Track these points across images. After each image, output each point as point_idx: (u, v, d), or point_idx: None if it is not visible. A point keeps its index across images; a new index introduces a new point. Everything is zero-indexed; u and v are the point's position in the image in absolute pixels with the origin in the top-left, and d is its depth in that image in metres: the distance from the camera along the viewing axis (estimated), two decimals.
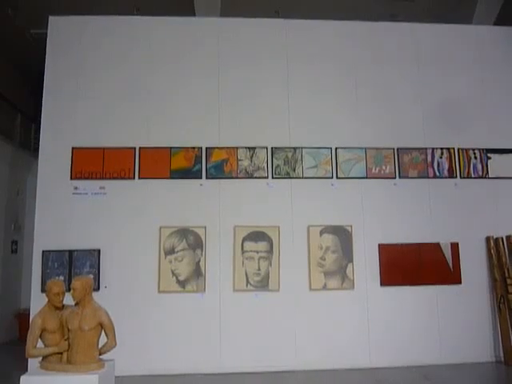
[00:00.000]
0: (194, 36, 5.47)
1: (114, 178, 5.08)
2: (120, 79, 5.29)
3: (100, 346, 3.25)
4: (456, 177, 5.45)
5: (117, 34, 5.41)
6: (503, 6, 8.03)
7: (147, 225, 4.98)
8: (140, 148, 5.15)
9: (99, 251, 4.89)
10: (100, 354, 3.25)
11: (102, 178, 5.08)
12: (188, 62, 5.39)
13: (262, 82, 5.41)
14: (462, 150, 5.50)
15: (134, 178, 5.09)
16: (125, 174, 5.09)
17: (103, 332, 3.24)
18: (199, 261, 4.95)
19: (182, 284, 4.91)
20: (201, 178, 5.14)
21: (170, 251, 4.94)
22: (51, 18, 5.39)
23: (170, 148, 5.15)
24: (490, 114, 5.65)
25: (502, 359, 5.05)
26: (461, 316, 5.15)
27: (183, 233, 4.98)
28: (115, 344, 3.25)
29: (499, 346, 5.12)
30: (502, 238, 5.32)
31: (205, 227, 5.01)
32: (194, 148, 5.17)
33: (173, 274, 4.92)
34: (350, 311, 5.04)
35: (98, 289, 4.73)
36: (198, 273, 4.93)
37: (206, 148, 5.19)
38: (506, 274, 5.18)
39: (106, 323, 3.20)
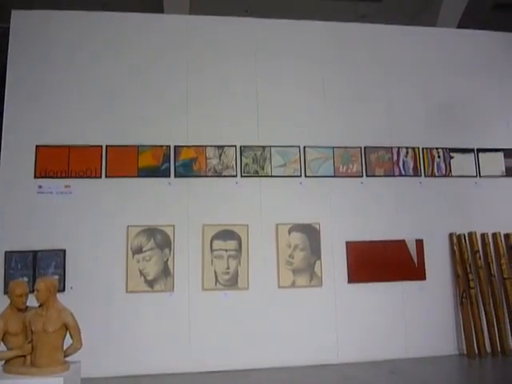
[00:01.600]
0: (162, 33, 5.41)
1: (80, 177, 4.98)
2: (86, 76, 5.18)
3: (65, 347, 3.20)
4: (421, 175, 5.59)
5: (83, 29, 5.30)
6: (465, 11, 8.28)
7: (114, 224, 4.91)
8: (107, 146, 5.06)
9: (64, 251, 4.78)
10: (65, 356, 3.20)
11: (67, 176, 4.97)
12: (156, 59, 5.33)
13: (230, 80, 5.40)
14: (427, 149, 5.64)
15: (100, 176, 5.00)
16: (91, 173, 4.99)
17: (68, 334, 3.18)
18: (167, 260, 4.91)
19: (150, 284, 4.86)
20: (169, 176, 5.10)
21: (138, 251, 4.89)
22: (14, 12, 5.24)
23: (138, 146, 5.09)
24: (452, 114, 5.80)
25: (465, 352, 5.21)
26: (425, 311, 5.28)
27: (151, 232, 4.93)
28: (81, 345, 3.20)
29: (462, 340, 5.28)
30: (464, 235, 5.48)
31: (173, 226, 4.97)
32: (162, 146, 5.12)
33: (141, 273, 4.86)
34: (318, 308, 5.10)
35: (63, 290, 4.64)
36: (166, 272, 4.89)
37: (175, 146, 5.14)
38: (468, 270, 5.35)
39: (70, 324, 3.15)
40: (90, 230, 4.89)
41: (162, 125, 5.19)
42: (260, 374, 4.68)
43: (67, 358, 3.21)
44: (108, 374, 4.58)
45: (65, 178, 4.96)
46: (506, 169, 5.79)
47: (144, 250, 4.90)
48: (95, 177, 4.99)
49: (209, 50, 5.45)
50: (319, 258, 5.15)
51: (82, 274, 4.78)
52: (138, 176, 5.06)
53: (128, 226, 4.91)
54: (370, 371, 4.72)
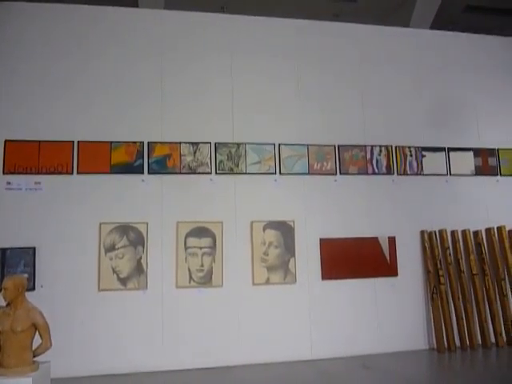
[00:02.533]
0: (136, 28, 5.33)
1: (51, 173, 4.87)
2: (57, 69, 5.06)
3: (34, 347, 3.14)
4: (393, 173, 5.67)
5: (55, 23, 5.17)
6: (438, 12, 8.45)
7: (86, 221, 4.82)
8: (79, 142, 4.96)
9: (34, 249, 4.67)
10: (34, 356, 3.14)
11: (37, 172, 4.85)
12: (130, 54, 5.25)
13: (205, 77, 5.36)
14: (399, 147, 5.73)
15: (72, 172, 4.90)
16: (62, 169, 4.89)
17: (37, 333, 3.13)
18: (141, 258, 4.86)
19: (123, 281, 4.80)
20: (142, 173, 5.03)
21: (111, 248, 4.81)
22: None
23: (111, 142, 5.01)
24: (424, 113, 5.91)
25: (435, 346, 5.32)
26: (397, 307, 5.38)
27: (124, 229, 4.86)
28: (50, 345, 3.15)
29: (432, 334, 5.39)
30: (435, 232, 5.60)
31: (146, 223, 4.92)
32: (135, 142, 5.05)
33: (113, 271, 4.79)
34: (292, 305, 5.12)
35: (33, 288, 4.53)
36: (139, 270, 4.84)
37: (148, 143, 5.08)
38: (439, 266, 5.46)
39: (40, 324, 3.09)
40: (60, 228, 4.78)
41: (136, 121, 5.11)
42: (234, 372, 4.68)
43: (36, 358, 3.15)
44: (80, 374, 4.51)
45: (35, 174, 4.85)
46: (476, 168, 5.94)
47: (117, 247, 4.83)
48: (66, 173, 4.89)
49: (184, 46, 5.39)
50: (293, 255, 5.18)
51: (53, 273, 4.68)
52: (111, 172, 4.98)
53: (100, 223, 4.83)
54: (343, 366, 4.78)
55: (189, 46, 5.40)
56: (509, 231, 5.79)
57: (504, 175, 6.02)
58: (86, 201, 4.87)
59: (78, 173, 4.92)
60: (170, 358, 4.78)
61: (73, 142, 4.95)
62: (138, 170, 5.03)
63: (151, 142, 5.09)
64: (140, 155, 5.05)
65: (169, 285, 4.90)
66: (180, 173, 5.11)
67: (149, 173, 5.05)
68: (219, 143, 5.23)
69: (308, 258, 5.23)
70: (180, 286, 4.90)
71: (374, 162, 5.61)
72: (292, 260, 5.17)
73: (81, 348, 4.61)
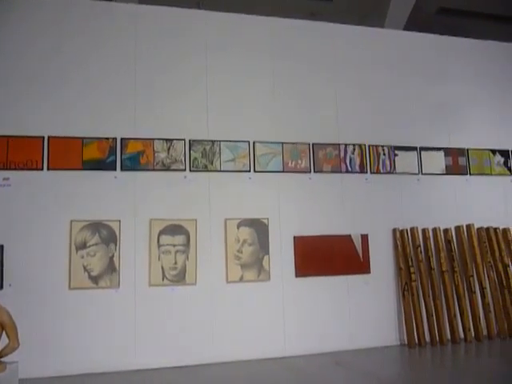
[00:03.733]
0: (110, 22, 5.23)
1: (20, 169, 4.74)
2: (26, 63, 4.92)
3: (1, 347, 3.07)
4: (366, 172, 5.74)
5: (25, 15, 5.03)
6: (411, 14, 8.58)
7: (57, 218, 4.72)
8: (49, 137, 4.85)
9: (2, 247, 4.55)
10: (1, 357, 3.07)
11: (6, 168, 4.71)
12: (103, 48, 5.15)
13: (180, 73, 5.31)
14: (372, 146, 5.81)
15: (42, 168, 4.79)
16: (32, 165, 4.77)
17: (4, 333, 3.05)
18: (113, 255, 4.79)
19: (95, 280, 4.73)
20: (115, 169, 4.95)
21: (82, 246, 4.73)
22: None
23: (82, 138, 4.91)
24: (396, 113, 6.00)
25: (406, 342, 5.42)
26: (369, 303, 5.45)
27: (96, 227, 4.78)
28: (18, 345, 3.08)
29: (403, 330, 5.48)
30: (407, 230, 5.69)
31: (119, 221, 4.85)
32: (107, 139, 4.97)
33: (85, 269, 4.71)
34: (266, 302, 5.14)
35: (1, 287, 4.43)
36: (111, 268, 4.77)
37: (121, 139, 5.01)
38: (410, 263, 5.56)
39: (6, 323, 3.02)
40: (30, 225, 4.67)
41: (108, 116, 5.03)
42: (208, 370, 4.66)
43: (4, 359, 3.08)
44: (49, 374, 4.42)
45: (3, 169, 4.70)
46: (446, 167, 6.07)
47: (88, 245, 4.75)
48: (36, 169, 4.78)
49: (158, 41, 5.32)
50: (267, 252, 5.19)
51: (22, 271, 4.56)
52: (83, 169, 4.88)
53: (71, 221, 4.74)
54: (316, 363, 4.82)
55: (163, 42, 5.34)
56: (477, 229, 5.94)
57: (473, 174, 6.17)
58: (56, 198, 4.77)
59: (48, 169, 4.80)
60: (143, 356, 4.73)
61: (43, 137, 4.83)
62: (111, 167, 4.95)
63: (124, 138, 5.02)
64: (112, 151, 4.97)
65: (142, 283, 4.84)
66: (153, 170, 5.05)
67: (121, 169, 4.97)
68: (193, 140, 5.20)
69: (282, 256, 5.25)
70: (153, 284, 4.86)
71: (348, 160, 5.67)
72: (266, 257, 5.18)
73: (50, 348, 4.52)
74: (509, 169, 6.37)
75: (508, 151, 6.41)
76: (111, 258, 4.79)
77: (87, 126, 4.95)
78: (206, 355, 4.86)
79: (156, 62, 5.27)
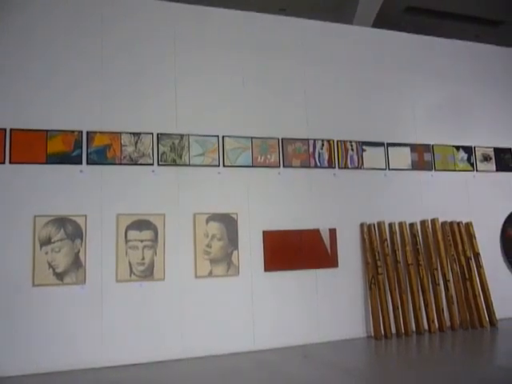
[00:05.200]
0: (74, 13, 5.09)
1: None
2: None
3: None
4: (335, 167, 5.80)
5: None
6: (379, 12, 8.71)
7: (19, 214, 4.58)
8: (11, 130, 4.69)
9: None
10: None
11: None
12: (68, 38, 5.00)
13: (148, 65, 5.23)
14: (341, 141, 5.87)
15: (4, 162, 4.63)
16: None
17: None
18: (79, 251, 4.69)
19: (60, 276, 4.62)
20: (81, 163, 4.84)
21: (46, 242, 4.61)
22: None
23: (47, 131, 4.78)
24: (364, 109, 6.09)
25: (372, 334, 5.52)
26: (337, 297, 5.53)
27: (61, 222, 4.67)
28: None
29: (370, 323, 5.59)
30: (374, 224, 5.79)
31: (85, 216, 4.75)
32: (73, 132, 4.86)
33: (49, 265, 4.60)
34: (235, 297, 5.14)
35: None
36: (77, 264, 4.67)
37: (87, 132, 4.90)
38: (377, 257, 5.66)
39: None
40: None
41: (74, 108, 4.90)
42: (177, 365, 4.63)
43: None
44: (13, 373, 4.30)
45: None
46: (412, 162, 6.20)
47: (53, 240, 4.63)
48: None
49: (126, 31, 5.22)
50: (236, 247, 5.19)
51: None
52: (47, 163, 4.75)
53: (35, 216, 4.61)
54: (284, 356, 4.85)
55: (131, 32, 5.23)
56: (442, 223, 6.10)
57: (438, 170, 6.33)
58: (19, 192, 4.63)
59: (10, 162, 4.65)
60: (111, 353, 4.65)
61: (5, 129, 4.68)
62: (76, 161, 4.83)
63: (90, 132, 4.91)
64: (78, 145, 4.86)
65: (108, 279, 4.76)
66: (121, 164, 4.96)
67: (87, 163, 4.87)
68: (162, 134, 5.13)
69: (251, 250, 5.26)
70: (120, 279, 4.78)
71: (317, 155, 5.72)
72: (235, 252, 5.18)
73: (14, 346, 4.39)
74: (471, 165, 6.56)
75: (471, 147, 6.60)
76: (77, 254, 4.69)
77: (52, 119, 4.82)
78: (175, 351, 4.83)
79: (124, 54, 5.16)
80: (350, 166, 5.86)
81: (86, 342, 4.62)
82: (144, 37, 5.28)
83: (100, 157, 4.90)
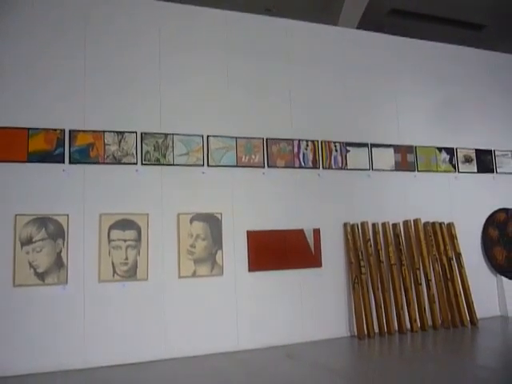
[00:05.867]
0: (58, 11, 5.02)
1: None
2: None
3: None
4: (319, 167, 5.83)
5: None
6: (364, 14, 8.77)
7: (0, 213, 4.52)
8: None
9: None
10: None
11: None
12: (51, 36, 4.93)
13: (132, 63, 5.19)
14: (325, 142, 5.90)
15: None
16: None
17: None
18: (60, 251, 4.63)
19: (41, 276, 4.56)
20: (63, 162, 4.78)
21: (27, 241, 4.55)
22: None
23: (28, 129, 4.72)
24: (349, 110, 6.13)
25: (355, 333, 5.56)
26: (321, 297, 5.55)
27: (42, 221, 4.61)
28: None
29: (353, 322, 5.62)
30: (357, 224, 5.83)
31: (67, 215, 4.69)
32: (55, 130, 4.80)
33: (30, 265, 4.53)
34: (219, 297, 5.13)
35: None
36: (59, 264, 4.62)
37: (70, 130, 4.84)
38: (360, 257, 5.70)
39: None
40: None
41: (56, 106, 4.83)
42: (161, 366, 4.61)
43: None
44: None
45: None
46: (395, 163, 6.26)
47: (34, 240, 4.57)
48: None
49: (110, 30, 5.16)
50: (221, 247, 5.18)
51: None
52: (28, 161, 4.68)
53: (16, 215, 4.54)
54: (267, 356, 4.86)
55: (116, 30, 5.19)
56: (424, 224, 6.17)
57: (420, 171, 6.40)
58: None
59: None
60: (94, 354, 4.60)
61: None
62: (59, 159, 4.77)
63: (73, 130, 4.85)
64: (60, 143, 4.79)
65: (91, 279, 4.71)
66: (104, 163, 4.92)
67: (70, 162, 4.81)
68: (146, 133, 5.10)
69: (235, 250, 5.25)
70: (103, 280, 4.74)
71: (301, 155, 5.74)
72: (219, 252, 5.17)
73: None
74: (453, 166, 6.65)
75: (453, 149, 6.69)
76: (59, 254, 4.64)
77: (33, 116, 4.75)
78: (158, 351, 4.80)
79: (108, 52, 5.11)
80: (333, 167, 5.89)
81: (67, 343, 4.56)
82: (129, 35, 5.24)
83: (83, 156, 4.85)
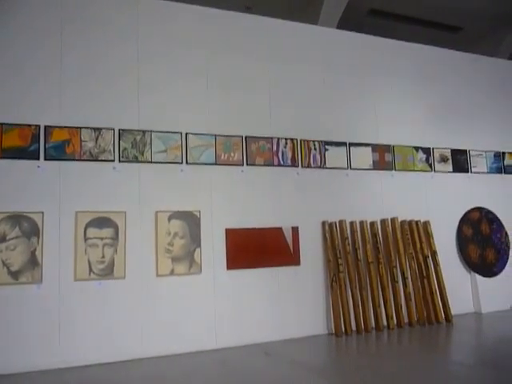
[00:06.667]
0: (33, 6, 4.92)
1: None
2: None
3: None
4: (298, 166, 5.85)
5: None
6: (343, 14, 8.84)
7: None
8: None
9: None
10: None
11: None
12: (26, 27, 4.82)
13: (110, 58, 5.11)
14: (304, 141, 5.93)
15: None
16: None
17: None
18: (35, 249, 4.54)
19: (15, 275, 4.46)
20: (38, 158, 4.69)
21: (0, 239, 4.44)
22: None
23: (2, 124, 4.60)
24: (328, 109, 6.17)
25: (333, 331, 5.60)
26: (299, 295, 5.58)
27: (16, 219, 4.50)
28: None
29: (331, 320, 5.66)
30: (336, 223, 5.88)
31: (42, 213, 4.60)
32: (30, 125, 4.70)
33: (3, 264, 4.43)
34: (197, 295, 5.10)
35: None
36: (33, 262, 4.52)
37: (45, 126, 4.74)
38: (338, 255, 5.75)
39: None
40: None
41: (31, 102, 4.73)
42: (138, 365, 4.56)
43: None
44: None
45: None
46: (373, 162, 6.33)
47: (8, 238, 4.47)
48: None
49: (87, 25, 5.07)
50: (199, 245, 5.16)
51: None
52: (2, 157, 4.57)
53: None
54: (245, 354, 4.86)
55: (92, 25, 5.10)
56: (401, 222, 6.26)
57: (398, 170, 6.49)
58: None
59: None
60: (69, 353, 4.52)
61: None
62: (34, 156, 4.68)
63: (48, 126, 4.76)
64: (35, 139, 4.70)
65: (66, 278, 4.63)
66: (80, 160, 4.84)
67: (45, 159, 4.72)
68: (123, 130, 5.03)
69: (213, 248, 5.24)
70: (79, 278, 4.66)
71: (280, 154, 5.75)
72: (197, 250, 5.14)
73: None
74: (430, 165, 6.76)
75: (430, 149, 6.80)
76: (33, 252, 4.55)
77: (7, 112, 4.64)
78: (136, 350, 4.75)
79: (84, 47, 5.02)
80: (312, 165, 5.92)
81: (42, 343, 4.48)
82: (106, 30, 5.16)
83: (58, 152, 4.76)
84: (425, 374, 3.98)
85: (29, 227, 4.56)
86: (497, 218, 7.09)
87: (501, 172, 7.36)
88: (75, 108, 4.89)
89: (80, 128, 4.87)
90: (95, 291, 4.71)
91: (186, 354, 4.87)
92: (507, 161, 7.44)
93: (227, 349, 5.04)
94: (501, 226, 7.09)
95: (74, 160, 4.81)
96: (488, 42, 11.06)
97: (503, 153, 7.44)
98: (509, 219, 7.12)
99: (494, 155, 7.34)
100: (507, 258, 7.02)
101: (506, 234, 7.09)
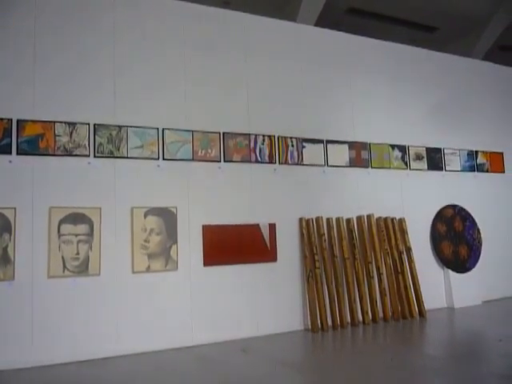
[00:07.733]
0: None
1: None
2: None
3: None
4: (275, 162, 5.87)
5: None
6: (322, 11, 8.88)
7: None
8: None
9: None
10: None
11: None
12: (3, 19, 4.71)
13: (85, 53, 5.02)
14: (282, 137, 5.94)
15: None
16: None
17: None
18: (7, 246, 4.44)
19: None
20: (10, 153, 4.58)
21: None
22: None
23: None
24: (305, 107, 6.19)
25: (310, 327, 5.65)
26: (276, 291, 5.61)
27: None
28: None
29: (307, 316, 5.71)
30: (312, 219, 5.92)
31: (14, 208, 4.49)
32: (2, 119, 4.58)
33: None
34: (173, 292, 5.08)
35: None
36: (5, 259, 4.43)
37: (18, 120, 4.63)
38: (314, 251, 5.79)
39: None
40: None
41: (3, 95, 4.61)
42: (114, 363, 4.51)
43: None
44: None
45: None
46: (350, 160, 6.39)
47: None
48: None
49: (62, 18, 4.97)
50: (175, 241, 5.13)
51: None
52: None
53: None
54: (222, 351, 4.87)
55: (68, 18, 4.99)
56: (377, 219, 6.34)
57: (374, 167, 6.57)
58: None
59: None
60: (43, 352, 4.45)
61: None
62: (5, 150, 4.56)
63: (21, 120, 4.65)
64: (7, 133, 4.58)
65: (39, 275, 4.55)
66: (54, 155, 4.75)
67: (18, 153, 4.61)
68: (99, 124, 4.96)
69: (190, 245, 5.21)
70: (52, 275, 4.59)
71: (258, 150, 5.75)
72: (174, 247, 5.12)
73: None
74: (405, 163, 6.86)
75: (405, 147, 6.90)
76: (5, 249, 4.45)
77: None
78: (111, 348, 4.70)
79: (60, 39, 4.92)
80: (290, 162, 5.95)
81: (15, 342, 4.39)
82: (82, 24, 5.06)
83: (32, 147, 4.67)
84: (399, 368, 4.05)
85: (0, 223, 4.45)
86: (469, 215, 7.25)
87: (474, 170, 7.52)
88: (49, 102, 4.79)
89: (54, 122, 4.77)
90: (69, 288, 4.64)
91: (162, 350, 4.84)
92: (480, 159, 7.61)
93: (204, 345, 5.03)
94: (473, 223, 7.25)
95: (47, 155, 4.72)
96: (463, 42, 11.29)
97: (476, 151, 7.61)
98: (481, 216, 7.29)
99: (468, 154, 7.50)
100: (479, 255, 7.19)
101: (479, 230, 7.26)
